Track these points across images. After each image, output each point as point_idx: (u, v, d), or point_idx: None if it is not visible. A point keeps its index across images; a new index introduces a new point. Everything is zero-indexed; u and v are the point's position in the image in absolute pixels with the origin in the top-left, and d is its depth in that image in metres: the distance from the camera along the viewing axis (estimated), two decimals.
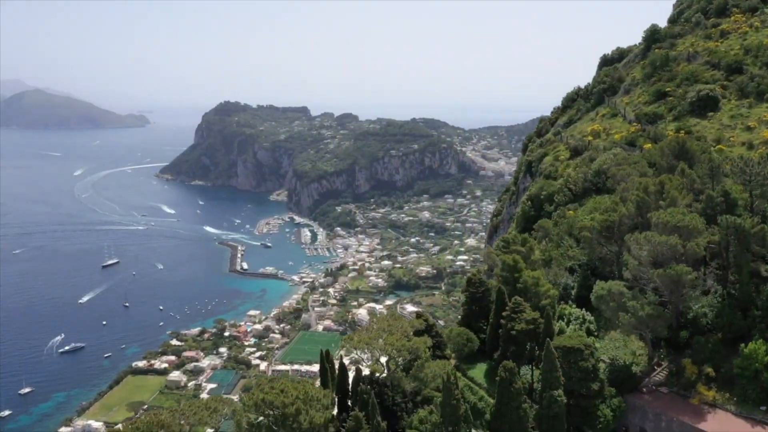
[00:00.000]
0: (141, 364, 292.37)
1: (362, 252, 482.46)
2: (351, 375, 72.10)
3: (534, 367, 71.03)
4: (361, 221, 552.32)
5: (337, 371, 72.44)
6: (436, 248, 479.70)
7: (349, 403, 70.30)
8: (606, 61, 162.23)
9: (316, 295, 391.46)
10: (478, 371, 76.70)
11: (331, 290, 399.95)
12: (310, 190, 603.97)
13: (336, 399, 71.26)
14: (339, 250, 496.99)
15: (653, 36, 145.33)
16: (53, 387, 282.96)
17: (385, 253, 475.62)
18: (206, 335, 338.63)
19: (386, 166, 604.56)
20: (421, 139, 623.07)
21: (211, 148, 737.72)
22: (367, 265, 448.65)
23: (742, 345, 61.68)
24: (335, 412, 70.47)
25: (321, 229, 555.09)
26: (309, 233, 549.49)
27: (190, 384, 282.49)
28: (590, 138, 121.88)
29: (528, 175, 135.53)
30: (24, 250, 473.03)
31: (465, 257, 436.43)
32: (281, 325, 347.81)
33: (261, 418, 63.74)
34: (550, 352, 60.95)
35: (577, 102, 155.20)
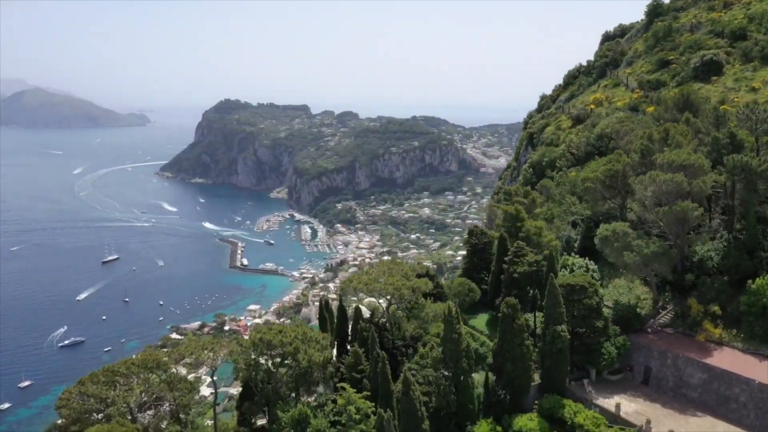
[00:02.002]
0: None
1: (362, 248, 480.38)
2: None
3: (536, 314, 69.96)
4: (361, 218, 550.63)
5: (336, 315, 71.25)
6: (437, 244, 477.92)
7: (349, 347, 69.12)
8: (608, 38, 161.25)
9: (317, 290, 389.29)
10: (480, 321, 75.56)
11: (331, 285, 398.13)
12: (310, 188, 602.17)
13: (336, 343, 70.10)
14: (339, 247, 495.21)
15: (656, 10, 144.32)
16: (53, 380, 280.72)
17: (385, 249, 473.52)
18: (206, 329, 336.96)
19: (386, 163, 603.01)
20: (422, 137, 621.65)
21: (212, 146, 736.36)
22: (367, 260, 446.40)
23: (750, 281, 60.46)
24: (335, 354, 69.32)
25: (321, 226, 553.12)
26: (309, 230, 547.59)
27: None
28: (592, 107, 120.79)
29: (529, 147, 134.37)
30: (24, 247, 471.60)
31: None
32: (281, 320, 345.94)
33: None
34: (553, 287, 59.71)
35: (578, 78, 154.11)
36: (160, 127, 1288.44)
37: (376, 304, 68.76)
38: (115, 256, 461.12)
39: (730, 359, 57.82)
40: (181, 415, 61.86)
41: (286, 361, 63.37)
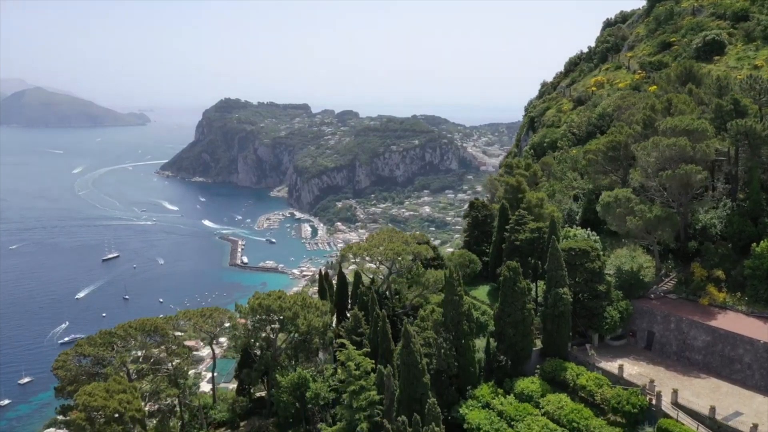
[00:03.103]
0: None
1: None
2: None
3: (538, 283, 69.40)
4: (361, 216, 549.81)
5: (335, 283, 70.69)
6: (437, 242, 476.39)
7: (348, 314, 68.56)
8: (609, 24, 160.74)
9: (316, 287, 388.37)
10: (481, 292, 74.92)
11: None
12: (310, 186, 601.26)
13: (335, 310, 69.50)
14: (340, 245, 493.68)
15: None
16: (53, 377, 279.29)
17: None
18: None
19: (387, 161, 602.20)
20: (422, 135, 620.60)
21: (212, 145, 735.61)
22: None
23: (754, 244, 59.78)
24: (335, 322, 68.77)
25: (321, 225, 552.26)
26: (309, 228, 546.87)
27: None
28: (594, 89, 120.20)
29: (530, 131, 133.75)
30: (23, 245, 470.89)
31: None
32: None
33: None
34: (555, 249, 59.07)
35: (579, 65, 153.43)
36: (161, 127, 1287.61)
37: (375, 269, 68.09)
38: (115, 254, 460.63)
39: (734, 321, 57.15)
40: (180, 380, 61.22)
41: (285, 327, 62.86)
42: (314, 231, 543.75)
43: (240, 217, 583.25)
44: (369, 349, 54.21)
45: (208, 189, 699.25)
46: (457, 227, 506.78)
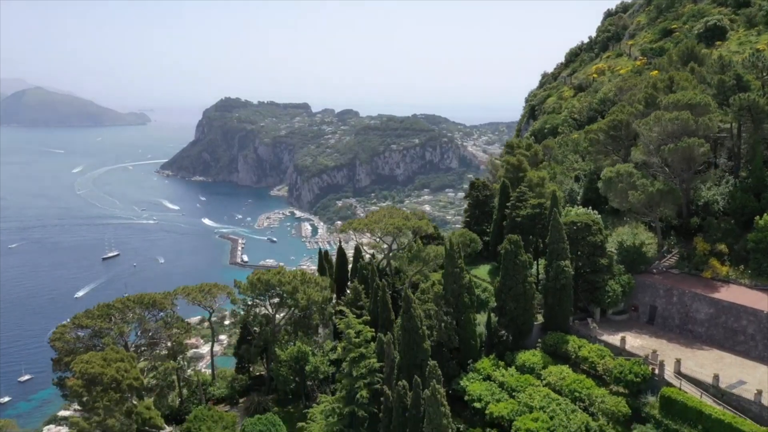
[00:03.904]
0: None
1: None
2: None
3: (539, 261, 68.88)
4: (362, 215, 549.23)
5: (335, 259, 70.24)
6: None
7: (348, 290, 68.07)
8: (610, 14, 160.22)
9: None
10: (482, 271, 74.36)
11: None
12: (310, 185, 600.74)
13: (335, 286, 69.00)
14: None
15: None
16: (52, 374, 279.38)
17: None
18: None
19: (387, 160, 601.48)
20: (422, 134, 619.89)
21: (212, 144, 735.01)
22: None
23: (757, 217, 59.30)
24: (334, 298, 68.26)
25: (321, 223, 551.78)
26: (309, 227, 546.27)
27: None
28: (595, 75, 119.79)
29: (531, 120, 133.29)
30: (23, 243, 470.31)
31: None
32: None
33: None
34: (556, 221, 58.63)
35: (580, 56, 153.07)
36: (161, 126, 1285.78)
37: (376, 242, 67.58)
38: (116, 253, 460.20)
39: (737, 294, 56.69)
40: (178, 355, 60.70)
41: (285, 302, 62.36)
42: (314, 230, 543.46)
43: (240, 216, 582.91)
44: (369, 317, 53.67)
45: (208, 188, 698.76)
46: (456, 226, 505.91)
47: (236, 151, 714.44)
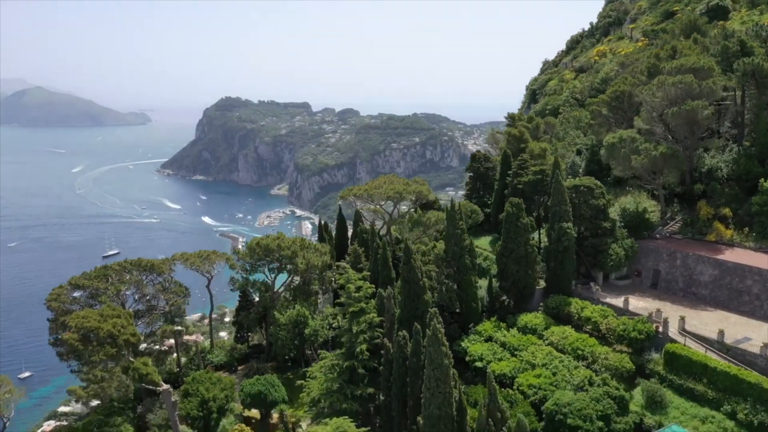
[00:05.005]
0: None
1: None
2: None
3: (540, 230, 68.22)
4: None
5: (335, 226, 69.62)
6: None
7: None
8: (611, 0, 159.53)
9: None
10: (483, 241, 73.65)
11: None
12: (311, 184, 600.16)
13: (335, 254, 68.34)
14: None
15: None
16: (53, 372, 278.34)
17: None
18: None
19: (387, 159, 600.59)
20: (423, 133, 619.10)
21: (212, 143, 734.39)
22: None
23: (762, 179, 58.62)
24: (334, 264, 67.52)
25: (322, 222, 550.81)
26: (310, 225, 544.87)
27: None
28: (596, 58, 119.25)
29: (532, 104, 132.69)
30: (23, 242, 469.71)
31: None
32: None
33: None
34: (559, 183, 58.01)
35: (581, 42, 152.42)
36: (162, 126, 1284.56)
37: (377, 207, 66.95)
38: (116, 251, 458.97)
39: (742, 256, 56.00)
40: (176, 319, 60.07)
41: (284, 267, 61.72)
42: (315, 228, 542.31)
43: (241, 215, 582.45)
44: (369, 273, 53.00)
45: (208, 187, 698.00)
46: None
47: (236, 150, 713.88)
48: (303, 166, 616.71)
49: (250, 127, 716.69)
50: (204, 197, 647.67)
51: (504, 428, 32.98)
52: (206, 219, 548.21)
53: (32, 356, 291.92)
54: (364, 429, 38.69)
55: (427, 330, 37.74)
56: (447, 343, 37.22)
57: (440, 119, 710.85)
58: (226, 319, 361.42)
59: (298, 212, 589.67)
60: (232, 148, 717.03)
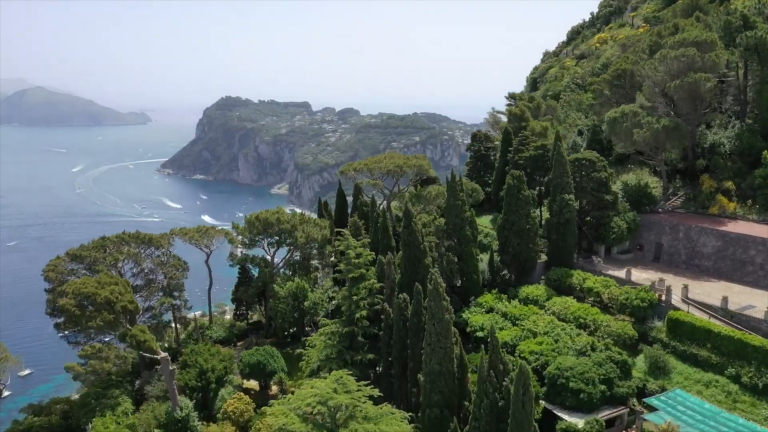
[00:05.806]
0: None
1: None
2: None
3: (542, 208, 67.78)
4: None
5: (335, 201, 69.19)
6: None
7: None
8: None
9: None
10: (484, 220, 73.28)
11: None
12: (311, 183, 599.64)
13: (334, 228, 67.83)
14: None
15: None
16: (53, 369, 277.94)
17: None
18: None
19: None
20: (423, 132, 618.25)
21: (213, 143, 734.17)
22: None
23: (765, 152, 58.16)
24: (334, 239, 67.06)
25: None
26: None
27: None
28: (597, 45, 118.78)
29: (533, 92, 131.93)
30: (22, 241, 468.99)
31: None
32: None
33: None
34: (560, 155, 57.62)
35: (582, 33, 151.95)
36: (162, 126, 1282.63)
37: (377, 181, 66.44)
38: None
39: (745, 227, 55.61)
40: (175, 293, 59.62)
41: (283, 240, 61.29)
42: None
43: (241, 214, 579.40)
44: (369, 240, 52.55)
45: (208, 186, 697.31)
46: None
47: (237, 150, 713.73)
48: (303, 166, 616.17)
49: (250, 126, 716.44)
50: (204, 196, 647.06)
51: (506, 379, 32.55)
52: (206, 218, 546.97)
53: (32, 354, 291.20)
54: (363, 382, 38.20)
55: (428, 285, 37.27)
56: (448, 298, 36.74)
57: (440, 118, 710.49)
58: (227, 317, 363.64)
59: (299, 211, 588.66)
60: (232, 147, 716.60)
